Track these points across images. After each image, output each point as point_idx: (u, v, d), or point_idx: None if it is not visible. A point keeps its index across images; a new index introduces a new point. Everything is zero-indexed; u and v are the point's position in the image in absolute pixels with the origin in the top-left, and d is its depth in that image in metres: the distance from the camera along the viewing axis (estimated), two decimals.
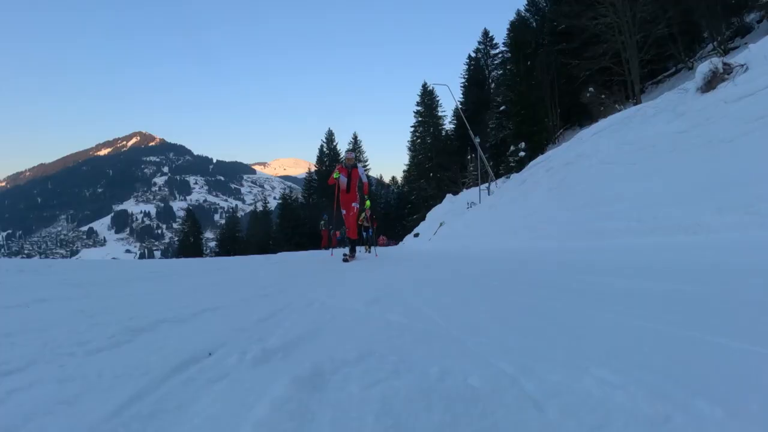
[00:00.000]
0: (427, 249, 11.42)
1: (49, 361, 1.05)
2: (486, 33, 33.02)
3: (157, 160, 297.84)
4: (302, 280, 3.42)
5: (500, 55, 31.04)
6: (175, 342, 1.23)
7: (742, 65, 6.72)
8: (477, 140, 18.20)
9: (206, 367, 0.99)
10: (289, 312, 1.74)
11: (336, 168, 6.44)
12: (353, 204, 6.56)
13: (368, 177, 6.86)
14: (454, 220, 15.05)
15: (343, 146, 43.38)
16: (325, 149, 42.23)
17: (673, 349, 1.00)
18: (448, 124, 36.75)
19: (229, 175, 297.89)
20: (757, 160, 4.40)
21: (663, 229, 4.51)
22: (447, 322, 1.41)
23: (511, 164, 21.85)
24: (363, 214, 8.73)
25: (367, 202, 8.57)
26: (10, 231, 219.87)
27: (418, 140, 37.74)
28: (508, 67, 26.17)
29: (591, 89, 16.71)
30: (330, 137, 42.62)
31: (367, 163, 43.36)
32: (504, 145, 24.26)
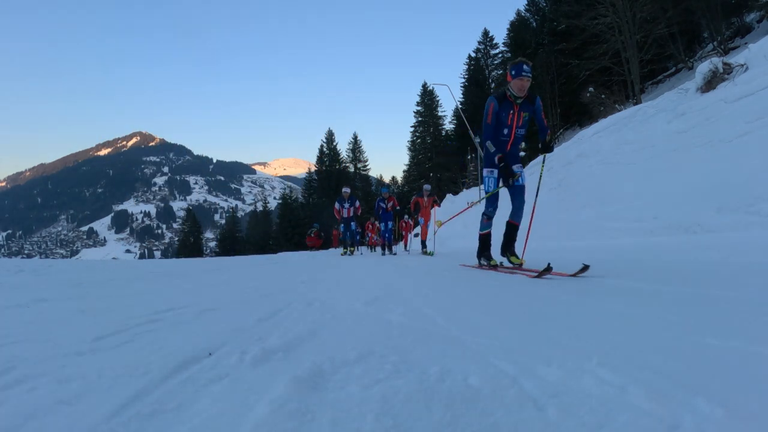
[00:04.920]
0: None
1: (49, 361, 1.05)
2: (486, 33, 32.99)
3: (157, 160, 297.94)
4: (302, 279, 3.42)
5: (500, 55, 31.03)
6: (175, 342, 1.23)
7: (742, 65, 6.72)
8: (477, 140, 18.21)
9: (206, 367, 0.99)
10: (289, 312, 1.74)
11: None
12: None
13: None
14: (455, 219, 15.05)
15: (343, 146, 43.35)
16: (325, 149, 42.22)
17: (673, 349, 1.00)
18: (448, 124, 36.73)
19: (229, 175, 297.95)
20: (757, 160, 4.40)
21: (663, 229, 4.52)
22: (447, 322, 1.41)
23: None
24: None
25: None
26: (10, 231, 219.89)
27: (418, 140, 37.72)
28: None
29: (591, 89, 16.70)
30: (330, 137, 42.61)
31: (367, 163, 43.34)
32: None
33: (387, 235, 9.40)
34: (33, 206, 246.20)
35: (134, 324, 1.48)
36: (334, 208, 9.23)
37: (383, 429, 0.66)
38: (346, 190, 9.46)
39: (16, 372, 0.95)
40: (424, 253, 7.98)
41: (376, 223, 16.22)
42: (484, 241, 3.81)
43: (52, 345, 1.20)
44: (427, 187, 8.66)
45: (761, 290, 1.71)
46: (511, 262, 3.34)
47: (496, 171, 3.50)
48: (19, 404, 0.78)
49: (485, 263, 3.77)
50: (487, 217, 3.68)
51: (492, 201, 3.57)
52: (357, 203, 9.37)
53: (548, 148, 3.36)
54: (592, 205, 6.67)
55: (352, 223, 9.38)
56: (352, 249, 9.42)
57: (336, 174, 40.44)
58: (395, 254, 9.05)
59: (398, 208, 9.41)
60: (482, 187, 3.90)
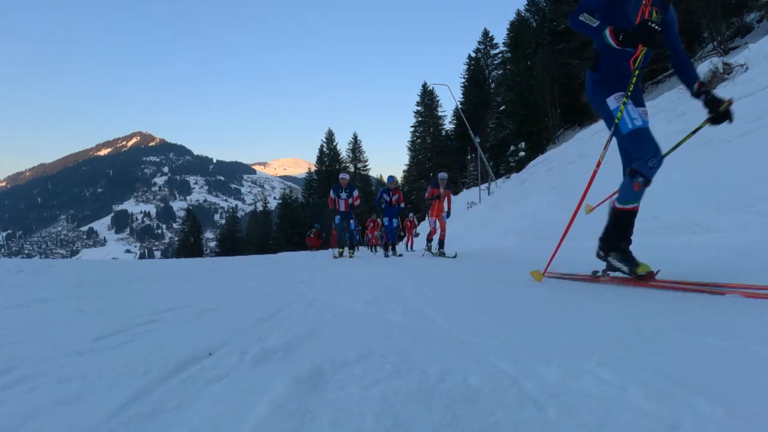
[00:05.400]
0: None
1: (49, 361, 1.05)
2: (486, 33, 33.02)
3: (157, 160, 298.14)
4: (302, 279, 3.41)
5: (500, 55, 31.04)
6: (175, 342, 1.23)
7: (742, 65, 6.72)
8: (477, 140, 18.21)
9: (206, 367, 0.99)
10: (289, 312, 1.74)
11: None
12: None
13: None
14: (455, 220, 15.06)
15: (343, 146, 43.29)
16: (325, 149, 42.25)
17: (673, 349, 1.00)
18: (448, 124, 36.78)
19: (229, 175, 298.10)
20: (757, 160, 4.40)
21: (663, 229, 4.51)
22: (447, 322, 1.41)
23: (511, 164, 21.86)
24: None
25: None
26: (10, 231, 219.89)
27: (418, 140, 37.76)
28: (508, 67, 26.19)
29: None
30: (330, 137, 42.64)
31: (367, 163, 43.36)
32: (504, 145, 24.27)
33: (390, 232, 8.08)
34: (33, 206, 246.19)
35: (134, 324, 1.48)
36: (329, 197, 7.86)
37: (383, 429, 0.66)
38: (344, 176, 7.95)
39: (16, 372, 0.95)
40: (441, 254, 6.81)
41: (378, 220, 14.23)
42: (625, 221, 2.12)
43: (52, 345, 1.20)
44: (442, 175, 7.14)
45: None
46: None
47: (622, 94, 2.01)
48: (19, 404, 0.78)
49: (623, 267, 2.07)
50: (644, 178, 1.98)
51: (646, 142, 1.95)
52: (356, 193, 7.88)
53: (716, 109, 1.91)
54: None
55: (353, 222, 8.06)
56: (351, 252, 7.97)
57: (336, 174, 40.45)
58: (400, 255, 8.02)
59: (402, 205, 8.24)
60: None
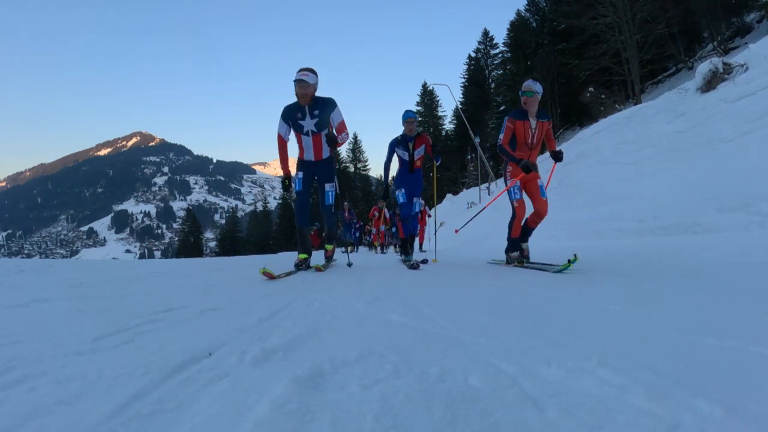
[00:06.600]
0: (427, 249, 11.42)
1: (49, 361, 1.05)
2: (486, 33, 33.02)
3: (157, 160, 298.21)
4: (302, 279, 3.41)
5: (500, 55, 31.06)
6: (175, 342, 1.23)
7: (742, 65, 6.72)
8: (477, 140, 18.21)
9: (206, 367, 0.99)
10: (289, 312, 1.74)
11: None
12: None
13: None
14: (454, 220, 15.06)
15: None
16: None
17: (673, 349, 1.00)
18: (448, 124, 36.78)
19: (229, 175, 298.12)
20: (757, 159, 4.40)
21: (663, 229, 4.51)
22: (447, 322, 1.41)
23: None
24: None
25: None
26: (10, 231, 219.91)
27: None
28: (508, 67, 26.23)
29: (591, 89, 16.72)
30: None
31: (367, 163, 43.31)
32: None
33: (409, 218, 4.65)
34: (33, 206, 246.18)
35: (134, 324, 1.48)
36: (278, 135, 3.65)
37: (383, 429, 0.66)
38: (304, 76, 3.43)
39: (16, 372, 0.95)
40: (521, 262, 3.67)
41: (384, 209, 9.59)
42: None
43: (52, 345, 1.20)
44: (531, 85, 3.75)
45: (761, 290, 1.71)
46: None
47: None
48: (19, 404, 0.78)
49: None
50: None
51: None
52: (338, 116, 3.64)
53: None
54: (592, 205, 6.66)
55: (329, 189, 3.87)
56: (330, 248, 4.24)
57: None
58: (424, 262, 4.57)
59: (439, 161, 4.71)
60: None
